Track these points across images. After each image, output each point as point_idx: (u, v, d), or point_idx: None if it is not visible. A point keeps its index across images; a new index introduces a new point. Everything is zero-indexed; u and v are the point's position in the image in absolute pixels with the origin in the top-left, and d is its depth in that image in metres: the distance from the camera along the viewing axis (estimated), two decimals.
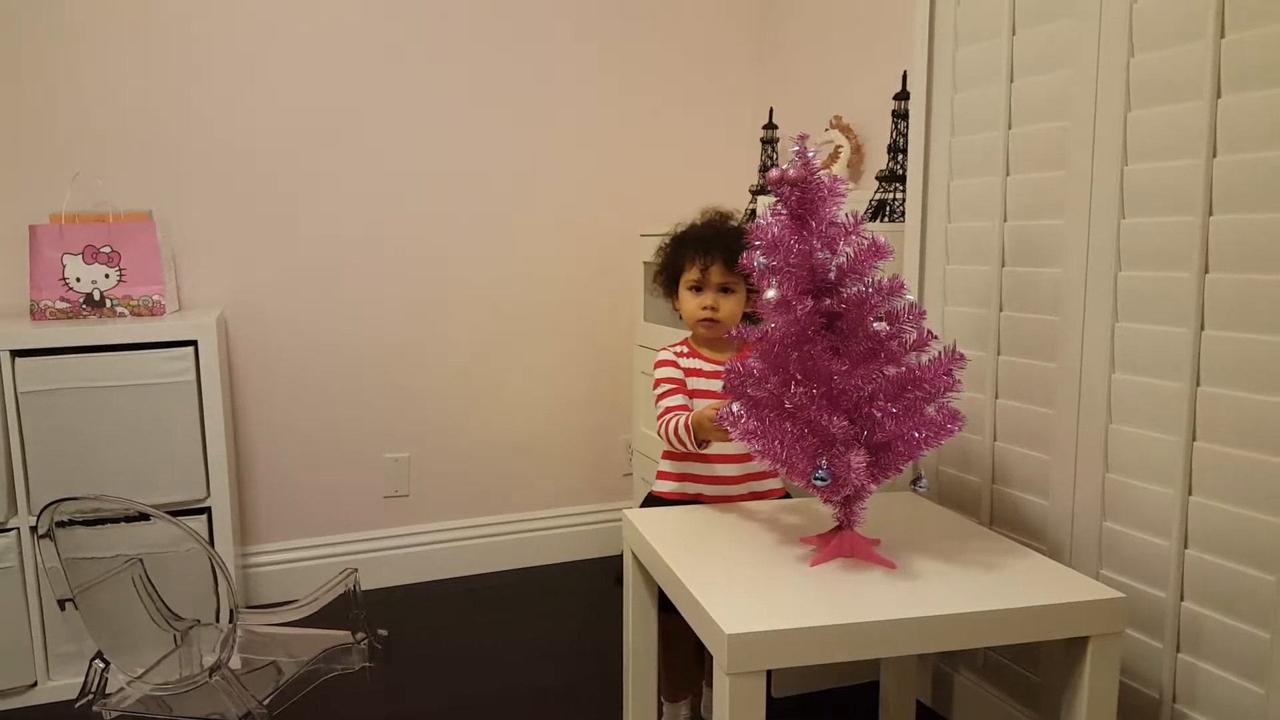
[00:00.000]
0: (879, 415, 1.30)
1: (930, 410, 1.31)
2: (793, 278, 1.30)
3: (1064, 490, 1.56)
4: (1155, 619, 1.39)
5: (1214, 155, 1.28)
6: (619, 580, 1.75)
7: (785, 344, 1.31)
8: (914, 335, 1.31)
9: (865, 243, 1.31)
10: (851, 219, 1.31)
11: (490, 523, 2.73)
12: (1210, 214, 1.29)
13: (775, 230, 1.31)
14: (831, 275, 1.29)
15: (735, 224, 1.72)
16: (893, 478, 1.35)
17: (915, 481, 1.40)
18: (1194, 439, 1.33)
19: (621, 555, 1.80)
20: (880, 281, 1.30)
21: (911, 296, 1.33)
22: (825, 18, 2.56)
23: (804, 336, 1.30)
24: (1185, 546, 1.35)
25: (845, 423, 1.28)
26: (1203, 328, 1.31)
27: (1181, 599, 1.36)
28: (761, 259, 1.31)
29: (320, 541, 2.56)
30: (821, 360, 1.29)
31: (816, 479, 1.28)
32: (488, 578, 2.68)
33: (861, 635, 1.16)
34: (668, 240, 1.74)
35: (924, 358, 1.32)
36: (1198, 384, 1.32)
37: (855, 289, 1.30)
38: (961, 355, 1.30)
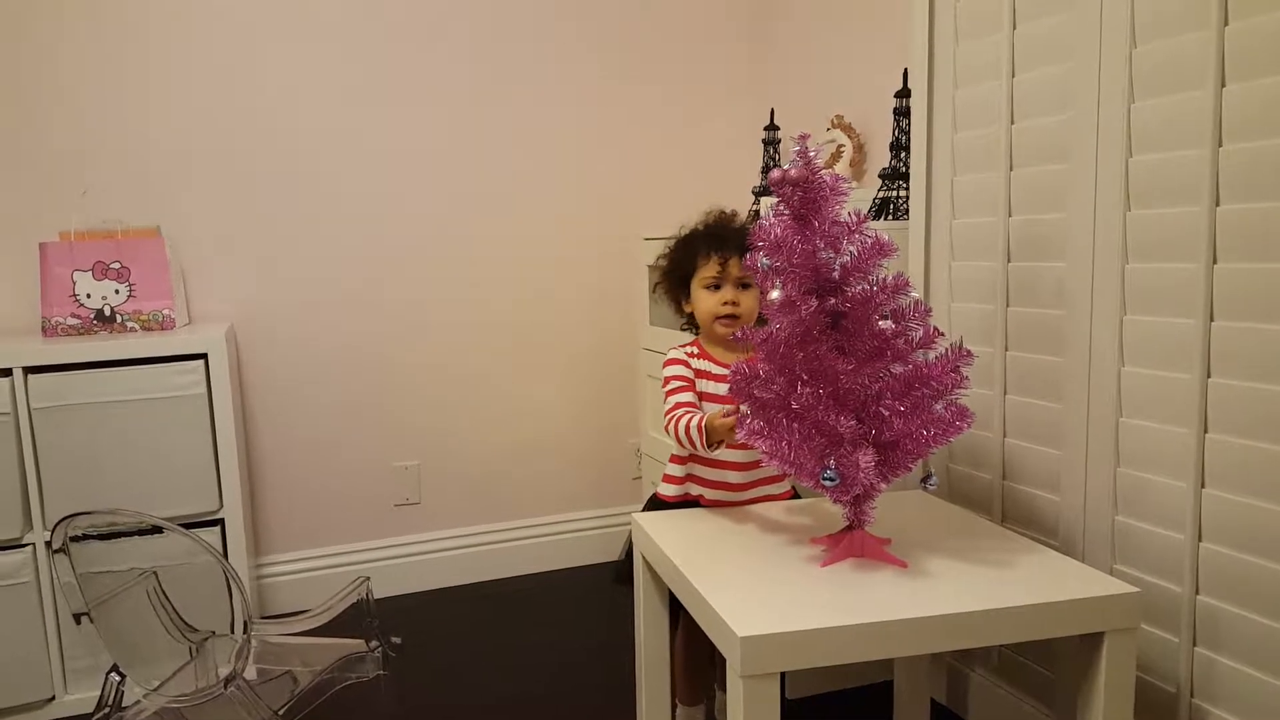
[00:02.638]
0: (887, 414, 1.29)
1: (939, 407, 1.30)
2: (796, 278, 1.29)
3: (1075, 485, 1.55)
4: (1171, 613, 1.38)
5: (1219, 144, 1.28)
6: (617, 579, 1.74)
7: (790, 344, 1.31)
8: (920, 332, 1.31)
9: (869, 241, 1.30)
10: (855, 217, 1.31)
11: (501, 529, 2.73)
12: (1217, 204, 1.29)
13: (778, 230, 1.30)
14: (835, 274, 1.29)
15: (741, 223, 1.72)
16: (901, 476, 1.34)
17: (925, 480, 1.39)
18: (1206, 431, 1.32)
19: (618, 556, 1.80)
20: (884, 279, 1.30)
21: (916, 293, 1.32)
22: (825, 17, 2.56)
23: (809, 336, 1.30)
24: (1199, 539, 1.34)
25: (853, 422, 1.28)
26: (1212, 318, 1.30)
27: (1197, 592, 1.35)
28: (765, 260, 1.31)
29: (333, 551, 2.57)
30: (827, 360, 1.28)
31: (825, 479, 1.28)
32: (499, 584, 2.68)
33: (875, 635, 1.15)
34: (674, 242, 1.73)
35: (931, 355, 1.31)
36: (1208, 375, 1.31)
37: (860, 287, 1.30)
38: (968, 352, 1.29)
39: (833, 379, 1.28)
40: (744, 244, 1.61)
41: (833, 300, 1.30)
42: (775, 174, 1.30)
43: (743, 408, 1.39)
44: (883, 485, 1.34)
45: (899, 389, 1.30)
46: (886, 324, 1.28)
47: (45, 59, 2.21)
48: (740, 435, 1.36)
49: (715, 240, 1.65)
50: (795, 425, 1.31)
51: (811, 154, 1.29)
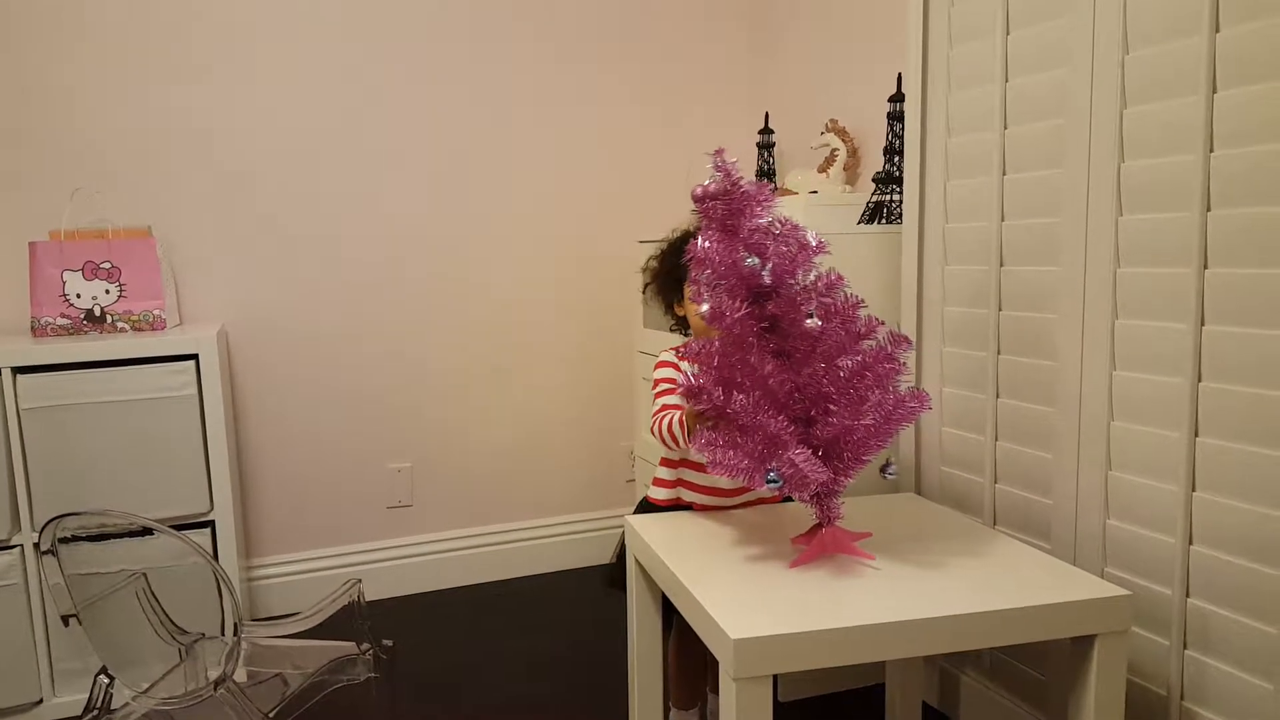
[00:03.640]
0: (834, 409, 1.30)
1: (886, 396, 1.31)
2: (725, 287, 1.31)
3: (1067, 488, 1.55)
4: (1161, 616, 1.39)
5: (1211, 150, 1.28)
6: (609, 583, 1.74)
7: (725, 353, 1.32)
8: (859, 325, 1.32)
9: (795, 244, 1.32)
10: (781, 223, 1.32)
11: (493, 531, 2.72)
12: (1208, 209, 1.29)
13: (703, 244, 1.32)
14: (766, 279, 1.29)
15: None
16: (859, 469, 1.34)
17: (884, 468, 1.40)
18: (1196, 434, 1.33)
19: (610, 560, 1.80)
20: (814, 279, 1.31)
21: (849, 288, 1.33)
22: (819, 21, 2.57)
23: (743, 343, 1.31)
24: (1190, 543, 1.34)
25: (785, 422, 1.28)
26: (1203, 323, 1.31)
27: (1187, 595, 1.35)
28: (705, 274, 1.33)
29: (324, 553, 2.56)
30: (759, 364, 1.30)
31: (768, 481, 1.29)
32: (492, 586, 2.67)
33: (868, 638, 1.16)
34: (667, 246, 1.73)
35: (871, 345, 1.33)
36: (1199, 379, 1.32)
37: (789, 289, 1.31)
38: (904, 338, 1.31)
39: (763, 383, 1.29)
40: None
41: (770, 305, 1.31)
42: (695, 190, 1.32)
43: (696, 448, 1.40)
44: (845, 480, 1.34)
45: (843, 385, 1.31)
46: (813, 323, 1.29)
47: (37, 59, 2.20)
48: (693, 447, 1.37)
49: None
50: (736, 432, 1.31)
51: (730, 165, 1.31)
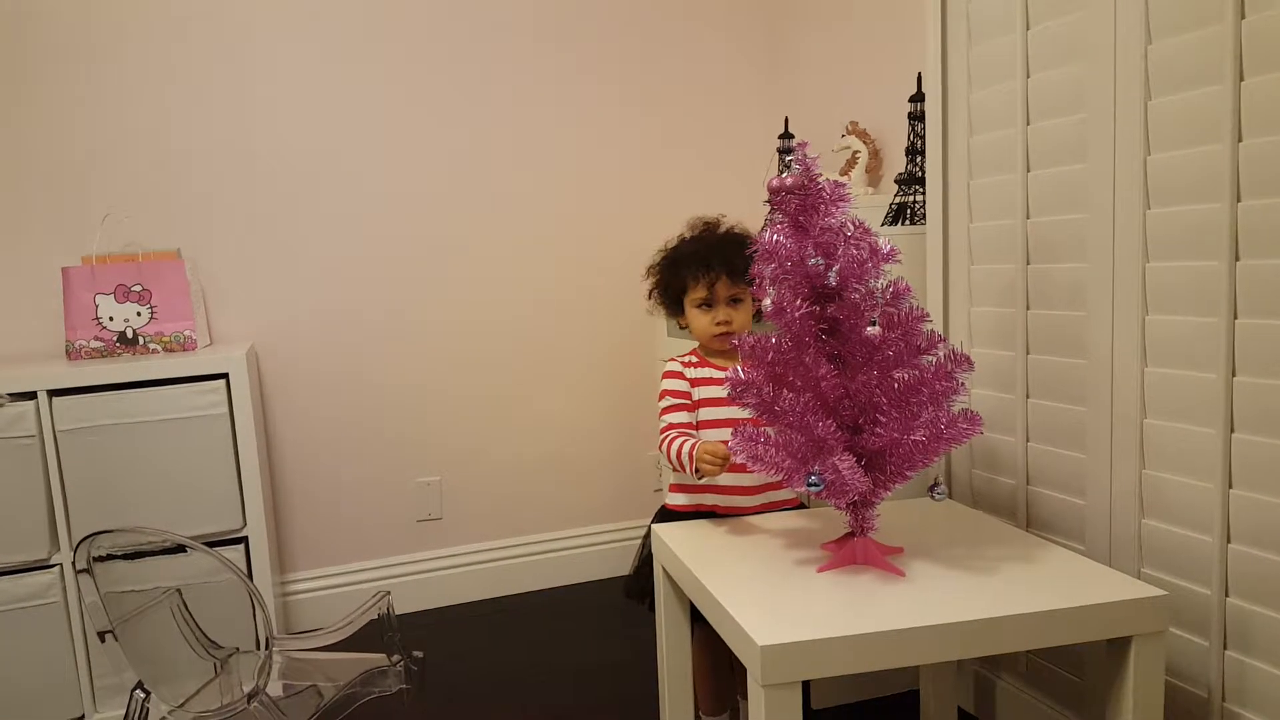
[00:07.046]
0: (884, 420, 1.28)
1: (940, 414, 1.29)
2: (789, 284, 1.29)
3: (1100, 488, 1.53)
4: (1200, 616, 1.36)
5: (1239, 139, 1.26)
6: (629, 594, 1.74)
7: (779, 350, 1.31)
8: (921, 339, 1.30)
9: (865, 248, 1.30)
10: (854, 225, 1.30)
11: (523, 543, 2.73)
12: (1239, 200, 1.27)
13: (773, 238, 1.31)
14: (832, 281, 1.28)
15: (725, 230, 1.71)
16: (900, 484, 1.32)
17: (932, 488, 1.38)
18: (1232, 431, 1.30)
19: (628, 571, 1.79)
20: (882, 286, 1.30)
21: (915, 299, 1.32)
22: (837, 24, 2.56)
23: (800, 342, 1.29)
24: (1228, 541, 1.31)
25: (833, 427, 1.27)
26: (1236, 316, 1.28)
27: (1226, 595, 1.32)
28: (770, 268, 1.32)
29: (356, 567, 2.58)
30: (812, 366, 1.28)
31: (809, 485, 1.27)
32: (521, 598, 2.68)
33: (899, 642, 1.14)
34: (660, 259, 1.72)
35: (930, 361, 1.31)
36: (1233, 374, 1.29)
37: (855, 295, 1.29)
38: (965, 358, 1.28)
39: (816, 385, 1.28)
40: (730, 259, 1.60)
41: (831, 307, 1.29)
42: (773, 182, 1.31)
43: (732, 445, 1.38)
44: (883, 493, 1.33)
45: (896, 396, 1.29)
46: (874, 331, 1.28)
47: (67, 85, 2.25)
48: (733, 444, 1.35)
49: (701, 261, 1.63)
50: (781, 430, 1.30)
51: (810, 161, 1.29)
